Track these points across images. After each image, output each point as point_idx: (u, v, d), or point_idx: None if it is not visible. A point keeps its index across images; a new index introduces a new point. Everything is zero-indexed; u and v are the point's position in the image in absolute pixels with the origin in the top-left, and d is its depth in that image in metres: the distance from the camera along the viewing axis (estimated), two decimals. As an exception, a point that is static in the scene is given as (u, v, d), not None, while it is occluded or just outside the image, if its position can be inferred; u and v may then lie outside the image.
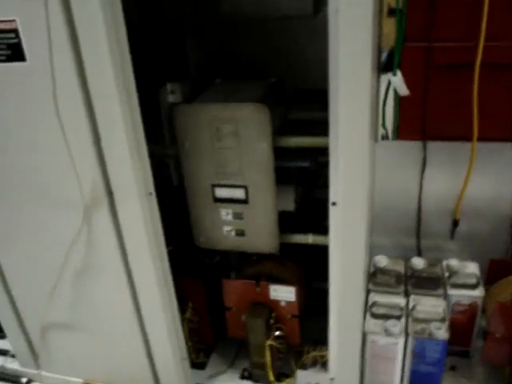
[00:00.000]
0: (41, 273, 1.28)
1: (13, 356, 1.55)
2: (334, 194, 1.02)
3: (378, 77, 1.32)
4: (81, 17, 0.94)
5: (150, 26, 1.27)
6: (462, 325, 1.40)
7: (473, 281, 1.40)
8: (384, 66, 1.34)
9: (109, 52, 0.95)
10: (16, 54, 1.00)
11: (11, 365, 1.55)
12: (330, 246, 1.07)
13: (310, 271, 1.45)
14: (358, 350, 1.18)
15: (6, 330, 1.48)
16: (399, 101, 1.38)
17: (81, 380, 1.46)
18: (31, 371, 1.51)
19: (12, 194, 1.19)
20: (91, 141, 1.05)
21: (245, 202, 1.19)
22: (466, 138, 1.34)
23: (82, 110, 1.02)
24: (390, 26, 1.32)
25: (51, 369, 1.48)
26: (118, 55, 0.97)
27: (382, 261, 1.48)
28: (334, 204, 1.03)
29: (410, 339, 1.28)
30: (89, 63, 0.98)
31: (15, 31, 0.98)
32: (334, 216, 1.04)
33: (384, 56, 1.33)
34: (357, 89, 0.90)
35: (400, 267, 1.48)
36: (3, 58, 1.01)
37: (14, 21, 0.98)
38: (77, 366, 1.44)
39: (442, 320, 1.30)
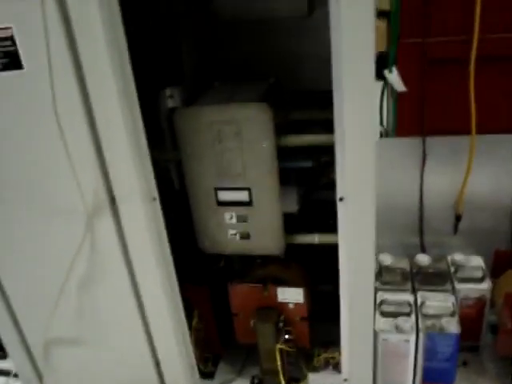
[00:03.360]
0: (42, 285, 1.25)
1: (15, 375, 1.51)
2: (341, 189, 1.01)
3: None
4: (78, 19, 0.92)
5: (144, 31, 1.27)
6: (470, 319, 1.39)
7: (479, 274, 1.40)
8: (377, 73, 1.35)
9: (107, 54, 0.94)
10: (13, 61, 0.99)
11: (14, 385, 1.51)
12: (338, 242, 1.06)
13: (314, 274, 1.43)
14: (370, 349, 1.17)
15: (8, 348, 1.44)
16: (396, 98, 1.39)
17: (87, 396, 1.42)
18: (35, 390, 1.47)
19: (12, 205, 1.16)
20: (92, 147, 1.04)
21: (249, 204, 1.18)
22: (465, 131, 1.35)
23: (81, 115, 1.00)
24: (378, 30, 1.34)
25: (56, 386, 1.44)
26: (117, 57, 0.96)
27: (387, 259, 1.48)
28: (341, 200, 1.02)
29: (422, 335, 1.27)
30: (88, 68, 0.96)
31: (11, 39, 0.97)
32: (342, 211, 1.03)
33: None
34: (361, 83, 0.90)
35: (405, 265, 1.48)
36: (0, 66, 1.00)
37: (9, 28, 0.97)
38: (82, 382, 1.41)
39: (453, 314, 1.29)
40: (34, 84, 1.00)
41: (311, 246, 1.28)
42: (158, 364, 1.31)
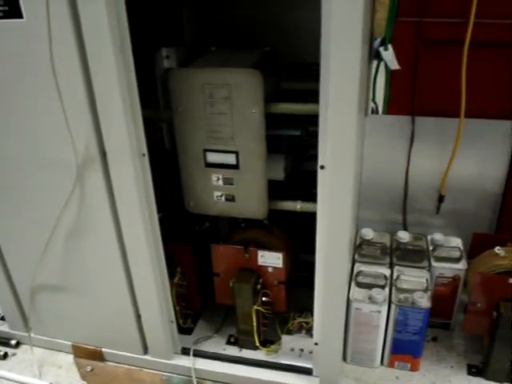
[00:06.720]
0: (32, 234, 1.29)
1: (2, 319, 1.57)
2: (322, 157, 1.04)
3: (370, 62, 1.35)
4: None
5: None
6: (444, 297, 1.44)
7: (456, 254, 1.44)
8: (376, 53, 1.36)
9: (106, 11, 0.97)
10: (13, 10, 1.01)
11: (1, 327, 1.56)
12: (317, 210, 1.10)
13: (297, 243, 1.47)
14: (342, 316, 1.21)
15: (-3, 293, 1.50)
16: (390, 76, 1.41)
17: (69, 343, 1.48)
18: (21, 333, 1.53)
19: (4, 154, 1.20)
20: (86, 101, 1.07)
21: (236, 167, 1.21)
22: (454, 114, 1.37)
23: (77, 69, 1.03)
24: (382, 12, 1.35)
25: (41, 331, 1.49)
26: (115, 15, 0.98)
27: (369, 233, 1.52)
28: (322, 167, 1.05)
29: (393, 307, 1.31)
30: (86, 22, 0.98)
31: (12, -14, 0.99)
32: (322, 179, 1.06)
33: (377, 43, 1.36)
34: (348, 53, 0.92)
35: (386, 240, 1.52)
36: (0, 14, 1.03)
37: (10, -24, 0.99)
38: (66, 329, 1.47)
39: (425, 290, 1.33)
40: (32, 35, 1.02)
41: (298, 218, 1.31)
42: (139, 317, 1.36)
